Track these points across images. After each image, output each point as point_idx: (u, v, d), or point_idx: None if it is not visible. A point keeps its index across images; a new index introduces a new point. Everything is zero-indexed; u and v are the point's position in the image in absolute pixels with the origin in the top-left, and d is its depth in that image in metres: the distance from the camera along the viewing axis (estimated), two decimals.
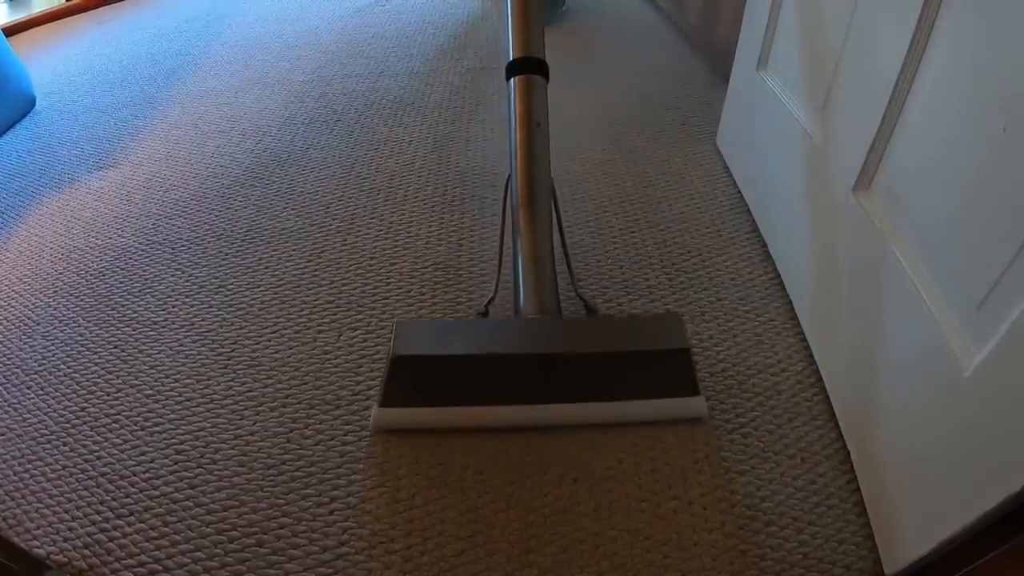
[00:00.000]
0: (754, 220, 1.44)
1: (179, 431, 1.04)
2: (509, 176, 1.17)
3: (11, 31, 2.94)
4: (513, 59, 1.20)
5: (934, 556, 0.72)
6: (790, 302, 1.22)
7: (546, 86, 1.20)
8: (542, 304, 1.07)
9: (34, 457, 1.02)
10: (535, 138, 1.16)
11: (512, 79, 1.20)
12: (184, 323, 1.25)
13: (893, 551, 0.80)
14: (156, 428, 1.05)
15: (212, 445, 1.02)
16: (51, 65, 2.57)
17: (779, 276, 1.28)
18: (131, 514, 0.93)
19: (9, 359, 1.19)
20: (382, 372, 1.05)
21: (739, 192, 1.55)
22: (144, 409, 1.08)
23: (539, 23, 1.22)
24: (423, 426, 1.03)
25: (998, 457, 0.63)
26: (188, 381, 1.13)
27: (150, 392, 1.11)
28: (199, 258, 1.41)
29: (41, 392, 1.12)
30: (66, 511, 0.94)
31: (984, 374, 0.66)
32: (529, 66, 1.19)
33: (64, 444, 1.03)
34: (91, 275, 1.38)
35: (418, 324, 1.15)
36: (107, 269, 1.40)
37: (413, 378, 1.00)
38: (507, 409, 1.02)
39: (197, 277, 1.36)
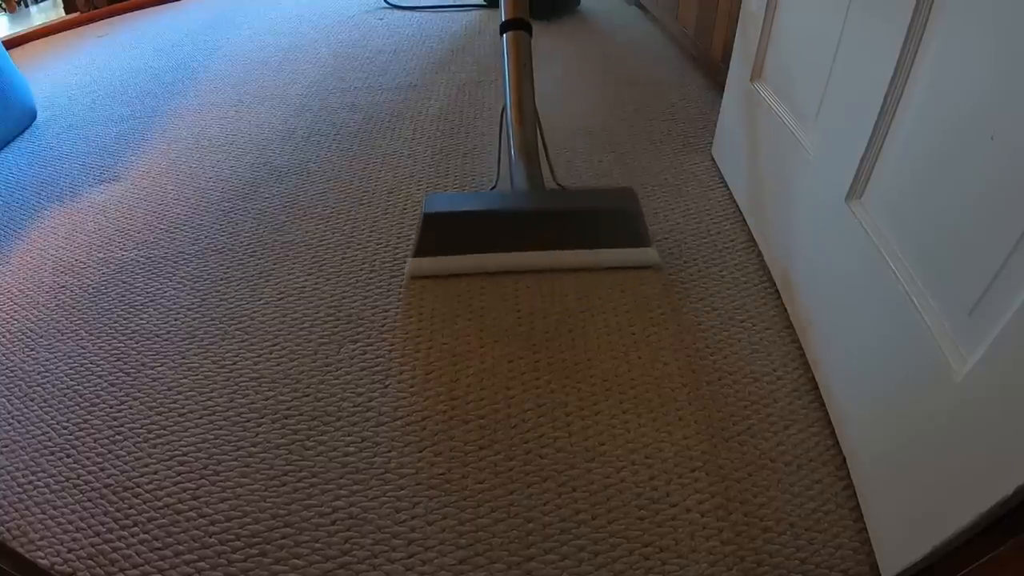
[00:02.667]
0: (749, 230, 1.46)
1: (182, 443, 1.05)
2: (504, 105, 1.56)
3: (11, 44, 2.96)
4: (505, 20, 1.60)
5: (930, 559, 0.73)
6: (785, 310, 1.23)
7: (530, 39, 1.59)
8: (532, 182, 1.45)
9: (38, 469, 1.02)
10: (523, 74, 1.55)
11: (505, 34, 1.60)
12: (186, 336, 1.25)
13: (890, 555, 0.81)
14: (159, 440, 1.06)
15: (215, 456, 1.03)
16: (51, 78, 2.58)
17: (774, 285, 1.29)
18: (135, 525, 0.93)
19: (12, 372, 1.20)
20: (415, 230, 1.42)
21: (734, 202, 1.56)
22: (147, 421, 1.09)
23: None
24: (447, 272, 1.37)
25: (990, 460, 0.64)
26: (190, 393, 1.14)
27: (152, 404, 1.12)
28: (200, 271, 1.42)
29: (44, 404, 1.13)
30: (70, 522, 0.94)
31: (976, 379, 0.67)
32: (517, 24, 1.59)
33: (68, 456, 1.04)
34: (93, 288, 1.39)
35: (442, 194, 1.61)
36: (109, 282, 1.41)
37: (439, 232, 1.37)
38: (509, 256, 1.37)
39: (198, 290, 1.37)
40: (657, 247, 1.41)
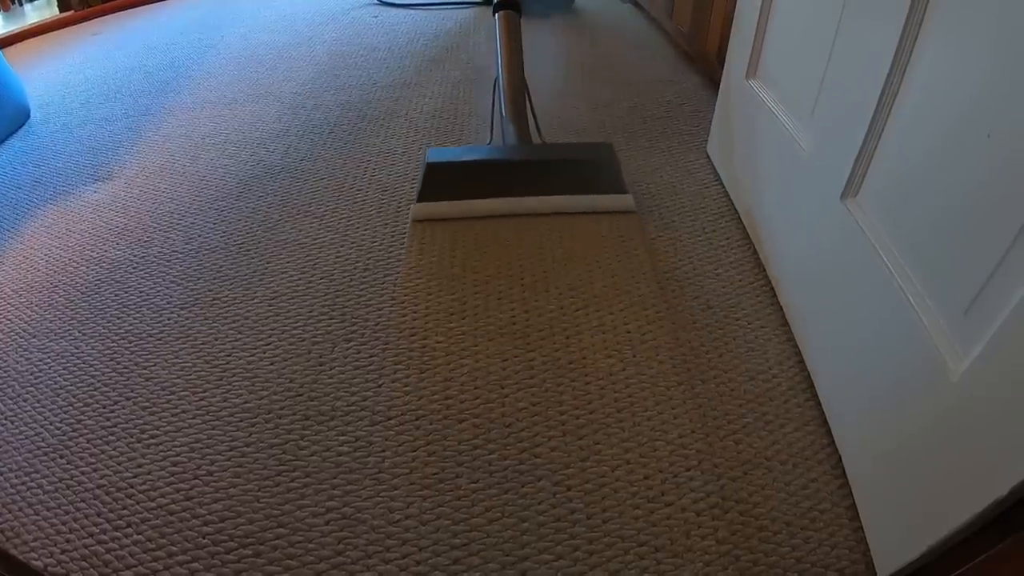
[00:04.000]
0: (744, 227, 1.45)
1: (175, 443, 1.05)
2: (497, 76, 1.74)
3: (5, 42, 2.94)
4: (497, 0, 1.84)
5: (926, 559, 0.73)
6: (781, 308, 1.23)
7: (519, 17, 1.82)
8: (521, 138, 1.64)
9: (31, 469, 1.02)
10: (513, 48, 1.75)
11: (497, 13, 1.82)
12: (179, 335, 1.25)
13: (885, 554, 0.81)
14: (152, 440, 1.05)
15: (208, 456, 1.02)
16: (45, 77, 2.57)
17: (770, 282, 1.29)
18: (128, 525, 0.93)
19: (5, 371, 1.20)
20: (419, 178, 1.57)
21: (729, 200, 1.56)
22: (140, 421, 1.09)
23: None
24: (446, 215, 1.50)
25: (986, 460, 0.64)
26: (184, 393, 1.13)
27: (146, 404, 1.11)
28: (194, 270, 1.42)
29: (37, 404, 1.13)
30: (63, 523, 0.94)
31: (972, 378, 0.67)
32: (508, 4, 1.82)
33: (61, 456, 1.04)
34: (86, 287, 1.39)
35: (442, 149, 1.80)
36: (102, 281, 1.40)
37: (439, 180, 1.53)
38: (501, 200, 1.51)
39: (192, 289, 1.36)
40: (653, 244, 1.41)
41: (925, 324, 0.75)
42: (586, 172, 1.54)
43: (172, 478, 0.99)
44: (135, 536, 0.92)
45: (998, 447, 0.62)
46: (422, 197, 1.53)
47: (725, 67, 1.62)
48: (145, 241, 1.52)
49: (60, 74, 2.60)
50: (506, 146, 1.63)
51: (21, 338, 1.27)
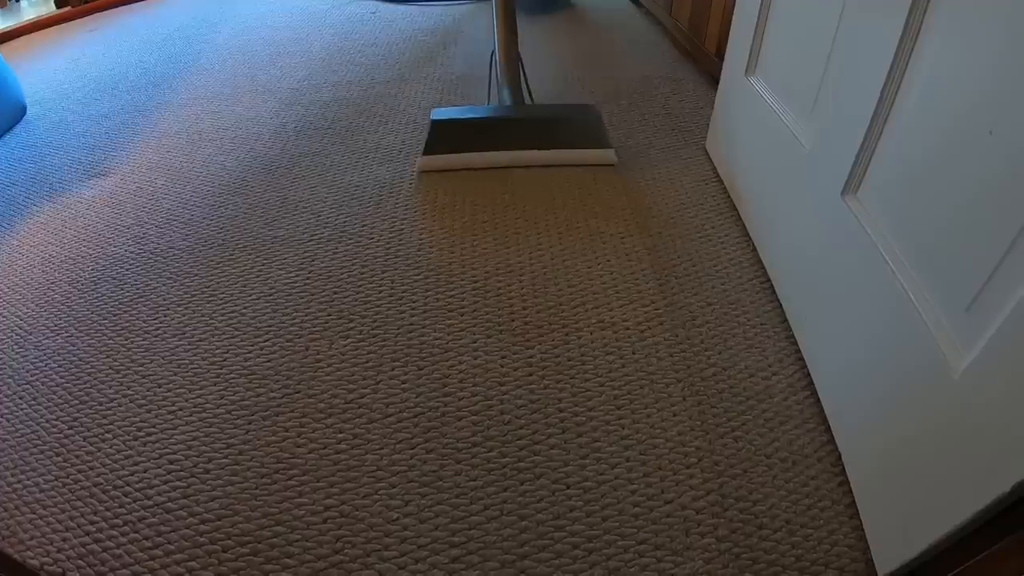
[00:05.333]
0: (743, 224, 1.45)
1: (172, 441, 1.04)
2: (494, 48, 1.87)
3: (2, 39, 2.93)
4: None
5: (927, 556, 0.73)
6: (780, 306, 1.23)
7: None
8: (515, 100, 1.82)
9: (27, 468, 1.01)
10: (508, 25, 1.85)
11: None
12: (176, 332, 1.24)
13: (886, 552, 0.80)
14: (149, 438, 1.05)
15: (205, 454, 1.02)
16: (41, 74, 2.56)
17: (769, 280, 1.29)
18: (125, 524, 0.92)
19: (1, 369, 1.19)
20: (426, 134, 1.73)
21: (728, 197, 1.56)
22: (137, 419, 1.08)
23: None
24: (449, 167, 1.71)
25: (988, 457, 0.63)
26: (180, 391, 1.13)
27: (143, 402, 1.11)
28: (191, 267, 1.41)
29: (33, 402, 1.12)
30: (60, 522, 0.93)
31: (973, 375, 0.66)
32: None
33: (57, 455, 1.03)
34: (83, 284, 1.38)
35: (446, 109, 1.83)
36: (99, 278, 1.39)
37: (443, 135, 1.71)
38: (498, 153, 1.72)
39: (189, 286, 1.35)
40: (652, 240, 1.41)
41: (926, 321, 0.75)
42: (574, 129, 1.73)
43: (169, 476, 0.99)
44: (132, 534, 0.91)
45: (1000, 445, 0.62)
46: (428, 150, 1.71)
47: (724, 63, 1.61)
48: (141, 237, 1.52)
49: (57, 70, 2.59)
50: (502, 106, 1.82)
51: (17, 335, 1.26)
